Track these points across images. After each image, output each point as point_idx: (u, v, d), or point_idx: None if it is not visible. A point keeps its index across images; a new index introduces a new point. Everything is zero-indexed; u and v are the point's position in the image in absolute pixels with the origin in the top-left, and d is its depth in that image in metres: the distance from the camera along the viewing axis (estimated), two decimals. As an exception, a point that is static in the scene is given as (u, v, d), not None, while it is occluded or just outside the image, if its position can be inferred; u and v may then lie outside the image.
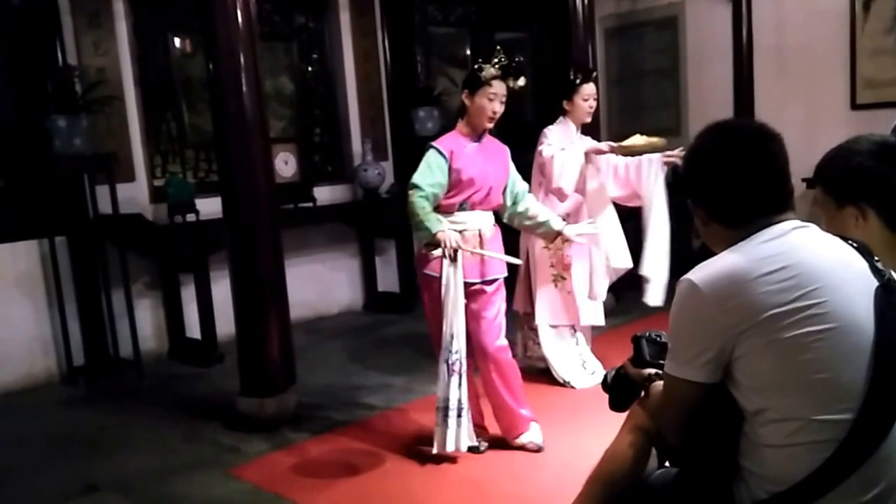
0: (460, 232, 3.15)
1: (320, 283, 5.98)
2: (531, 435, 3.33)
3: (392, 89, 6.38)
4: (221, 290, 4.46)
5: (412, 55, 6.47)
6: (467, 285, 3.15)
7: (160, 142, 5.43)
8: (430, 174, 3.13)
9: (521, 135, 4.72)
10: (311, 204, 5.64)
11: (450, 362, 3.07)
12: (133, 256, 4.86)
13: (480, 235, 3.25)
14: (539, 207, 3.54)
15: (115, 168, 4.61)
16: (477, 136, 3.28)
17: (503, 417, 3.35)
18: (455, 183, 3.18)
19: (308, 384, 4.17)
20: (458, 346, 3.07)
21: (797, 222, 1.54)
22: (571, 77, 4.15)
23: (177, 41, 5.51)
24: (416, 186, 3.12)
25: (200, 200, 4.91)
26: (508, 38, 7.60)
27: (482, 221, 3.28)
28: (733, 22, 6.06)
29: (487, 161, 3.27)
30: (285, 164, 5.50)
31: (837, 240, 1.54)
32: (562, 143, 4.05)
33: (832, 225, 1.71)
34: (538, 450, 3.30)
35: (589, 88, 4.09)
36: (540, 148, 4.08)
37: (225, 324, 4.40)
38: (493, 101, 3.18)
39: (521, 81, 3.24)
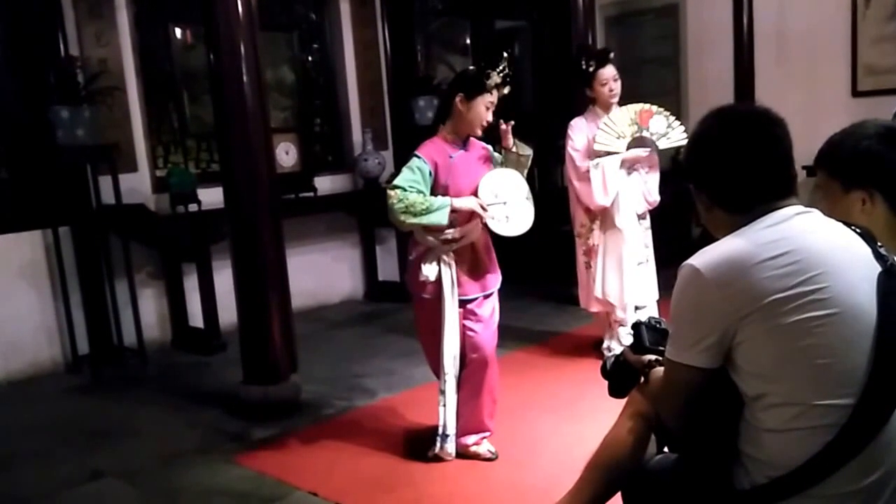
0: (449, 241, 3.02)
1: (321, 273, 6.00)
2: (489, 444, 3.21)
3: (392, 79, 6.37)
4: (224, 280, 4.47)
5: (412, 44, 6.45)
6: (468, 301, 3.07)
7: (162, 132, 5.44)
8: (411, 176, 2.93)
9: (520, 124, 4.71)
10: (311, 194, 5.66)
11: (445, 389, 3.09)
12: (136, 246, 4.88)
13: (473, 248, 3.08)
14: None
15: (118, 158, 4.62)
16: (462, 141, 3.07)
17: (478, 414, 3.18)
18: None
19: (310, 372, 4.20)
20: (454, 368, 3.08)
21: (800, 207, 1.53)
22: (584, 66, 3.99)
23: (178, 32, 5.50)
24: (396, 187, 2.92)
25: (202, 190, 4.93)
26: (508, 26, 7.58)
27: (473, 232, 3.08)
28: (734, 9, 6.02)
29: (475, 169, 3.07)
30: (286, 154, 5.52)
31: (840, 225, 1.53)
32: (587, 136, 4.00)
33: (836, 210, 1.67)
34: (495, 457, 3.17)
35: (606, 73, 3.96)
36: (569, 149, 4.03)
37: (227, 313, 4.42)
38: (489, 109, 2.98)
39: (506, 90, 3.04)
